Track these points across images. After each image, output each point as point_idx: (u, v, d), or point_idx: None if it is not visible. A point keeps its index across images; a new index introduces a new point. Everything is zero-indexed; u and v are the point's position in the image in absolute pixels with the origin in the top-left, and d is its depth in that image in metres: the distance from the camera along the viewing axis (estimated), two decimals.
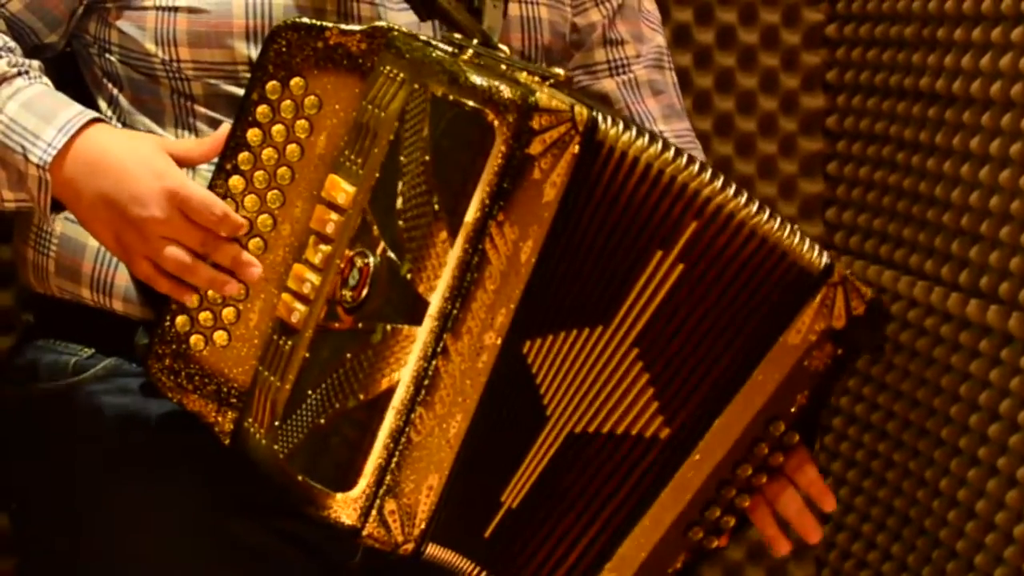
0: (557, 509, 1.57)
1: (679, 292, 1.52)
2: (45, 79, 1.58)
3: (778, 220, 1.53)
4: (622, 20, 1.88)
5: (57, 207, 1.55)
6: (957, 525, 2.18)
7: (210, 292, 1.53)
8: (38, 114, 1.52)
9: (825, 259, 1.54)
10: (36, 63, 1.59)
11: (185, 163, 1.53)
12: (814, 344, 1.55)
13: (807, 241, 1.54)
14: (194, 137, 1.61)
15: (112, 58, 1.65)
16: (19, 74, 1.56)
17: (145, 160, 1.50)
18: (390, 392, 1.47)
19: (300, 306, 1.51)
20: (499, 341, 1.49)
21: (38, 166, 1.50)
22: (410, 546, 1.52)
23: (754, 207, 1.52)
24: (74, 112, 1.53)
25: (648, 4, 1.92)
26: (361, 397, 1.47)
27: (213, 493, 1.62)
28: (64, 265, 1.65)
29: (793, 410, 1.57)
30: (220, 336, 1.55)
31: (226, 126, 1.53)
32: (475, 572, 1.58)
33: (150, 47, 1.62)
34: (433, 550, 1.55)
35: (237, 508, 1.63)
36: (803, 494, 1.62)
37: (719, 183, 1.51)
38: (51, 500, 1.67)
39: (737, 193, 1.52)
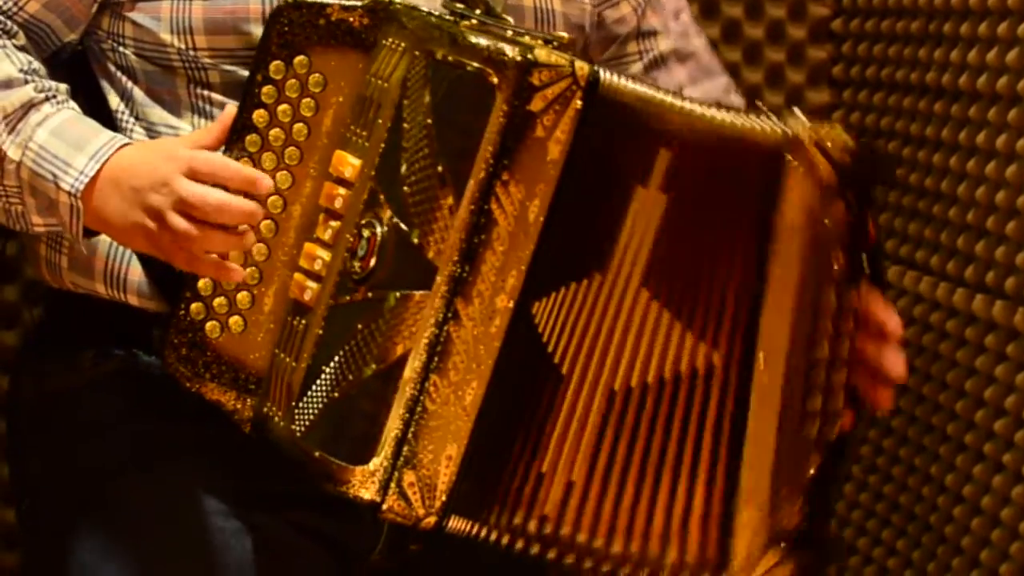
0: (640, 470, 1.54)
1: (671, 223, 1.50)
2: (72, 104, 1.57)
3: (727, 112, 1.51)
4: (652, 12, 1.88)
5: (88, 233, 1.55)
6: (962, 521, 2.17)
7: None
8: (68, 142, 1.52)
9: (783, 128, 1.51)
10: (63, 87, 1.58)
11: (206, 146, 1.53)
12: (818, 208, 1.52)
13: (762, 117, 1.51)
14: None
15: (126, 51, 1.65)
16: (46, 99, 1.55)
17: (162, 150, 1.51)
18: (403, 361, 1.47)
19: (312, 284, 1.51)
20: (511, 304, 1.48)
21: (70, 194, 1.50)
22: (432, 519, 1.51)
23: (709, 111, 1.50)
24: (105, 139, 1.53)
25: None
26: (374, 367, 1.47)
27: (230, 486, 1.62)
28: (77, 261, 1.65)
29: (836, 271, 1.53)
30: (235, 322, 1.55)
31: (231, 108, 1.52)
32: (505, 539, 1.55)
33: (166, 37, 1.62)
34: (455, 523, 1.53)
35: (255, 501, 1.63)
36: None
37: (686, 104, 1.50)
38: (64, 495, 1.66)
39: (695, 104, 1.50)
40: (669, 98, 1.50)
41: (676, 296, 1.52)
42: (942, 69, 2.22)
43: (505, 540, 1.54)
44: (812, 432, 1.56)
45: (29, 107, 1.54)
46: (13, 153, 1.52)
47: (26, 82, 1.55)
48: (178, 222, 1.46)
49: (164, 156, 1.49)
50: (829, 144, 1.51)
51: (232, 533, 1.61)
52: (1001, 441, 2.09)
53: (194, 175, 1.47)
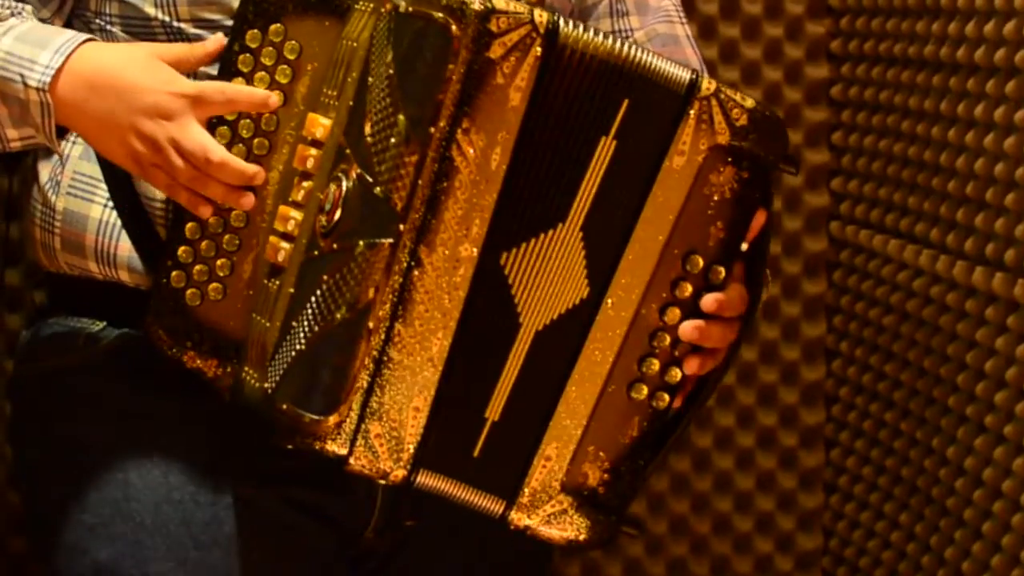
0: (532, 412, 1.56)
1: (612, 170, 1.51)
2: (36, 20, 1.59)
3: (649, 54, 1.51)
4: None
5: (63, 133, 1.56)
6: (964, 493, 2.18)
7: (203, 244, 1.54)
8: (32, 43, 1.54)
9: (689, 75, 1.52)
10: (28, 7, 1.61)
11: (180, 70, 1.54)
12: (705, 165, 1.53)
13: (673, 64, 1.52)
14: None
15: (114, 29, 1.66)
16: (12, 15, 1.59)
17: (149, 70, 1.51)
18: (367, 309, 1.48)
19: (285, 244, 1.52)
20: (475, 253, 1.49)
21: (37, 89, 1.51)
22: (400, 472, 1.52)
23: (641, 52, 1.50)
24: (68, 35, 1.55)
25: None
26: (338, 316, 1.48)
27: (223, 462, 1.63)
28: (69, 240, 1.66)
29: (711, 243, 1.54)
30: (215, 289, 1.56)
31: (220, 36, 1.53)
32: (469, 496, 1.56)
33: (150, 10, 1.63)
34: (425, 478, 1.54)
35: (247, 476, 1.63)
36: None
37: (636, 50, 1.50)
38: (60, 474, 1.67)
39: (641, 51, 1.50)
40: (629, 50, 1.50)
41: (594, 240, 1.53)
42: (940, 42, 2.22)
43: (467, 496, 1.55)
44: (640, 395, 1.57)
45: None
46: None
47: None
48: (178, 161, 1.49)
49: (158, 79, 1.50)
50: (731, 103, 1.52)
51: (224, 508, 1.62)
52: (1002, 413, 2.09)
53: (191, 107, 1.48)
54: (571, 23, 1.49)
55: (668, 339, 1.56)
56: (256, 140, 1.53)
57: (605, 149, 1.52)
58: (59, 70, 1.52)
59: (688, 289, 1.55)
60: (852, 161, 2.50)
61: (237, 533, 1.62)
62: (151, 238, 1.59)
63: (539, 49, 1.47)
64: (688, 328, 1.56)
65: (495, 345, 1.55)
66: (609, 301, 1.55)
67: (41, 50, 1.53)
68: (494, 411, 1.56)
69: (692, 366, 1.58)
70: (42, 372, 1.70)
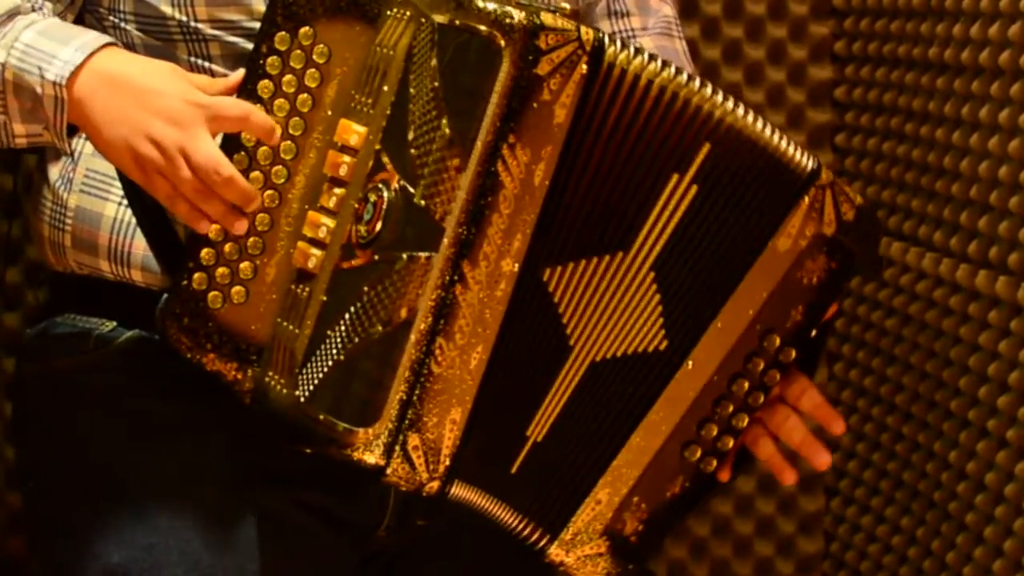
0: (579, 439, 1.57)
1: (692, 213, 1.53)
2: (56, 17, 1.59)
3: (770, 127, 1.53)
4: None
5: (72, 133, 1.55)
6: (966, 497, 2.17)
7: (227, 247, 1.53)
8: (54, 38, 1.53)
9: (812, 162, 1.54)
10: (48, 5, 1.60)
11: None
12: (805, 251, 1.55)
13: (795, 146, 1.54)
14: None
15: (128, 27, 1.65)
16: (34, 9, 1.57)
17: (169, 80, 1.50)
18: (409, 322, 1.47)
19: (316, 251, 1.51)
20: (516, 268, 1.49)
21: (54, 83, 1.50)
22: (435, 484, 1.52)
23: (750, 118, 1.53)
24: (92, 35, 1.54)
25: None
26: (380, 329, 1.47)
27: (238, 464, 1.62)
28: (81, 238, 1.65)
29: (788, 325, 1.56)
30: (238, 292, 1.54)
31: (240, 72, 1.52)
32: (499, 511, 1.57)
33: (166, 9, 1.62)
34: (459, 490, 1.54)
35: (259, 479, 1.63)
36: (809, 421, 1.61)
37: (730, 104, 1.52)
38: (67, 474, 1.66)
39: (746, 112, 1.53)
40: (701, 87, 1.51)
41: (672, 284, 1.55)
42: (944, 44, 2.21)
43: (499, 511, 1.56)
44: (693, 456, 1.59)
45: (16, 14, 1.55)
46: None
47: None
48: (184, 171, 1.47)
49: (177, 88, 1.49)
50: (843, 197, 1.54)
51: (236, 511, 1.61)
52: (1005, 417, 2.08)
53: (207, 120, 1.47)
54: (618, 43, 1.49)
55: (731, 408, 1.59)
56: (283, 143, 1.52)
57: (680, 190, 1.52)
58: (80, 66, 1.50)
59: (760, 365, 1.58)
60: (855, 163, 2.49)
61: (250, 536, 1.61)
62: (167, 237, 1.58)
63: (585, 67, 1.47)
64: (795, 424, 1.60)
65: (540, 364, 1.55)
66: (690, 363, 1.56)
67: (63, 46, 1.52)
68: (538, 431, 1.56)
69: (767, 449, 1.61)
70: (51, 372, 1.69)
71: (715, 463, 1.60)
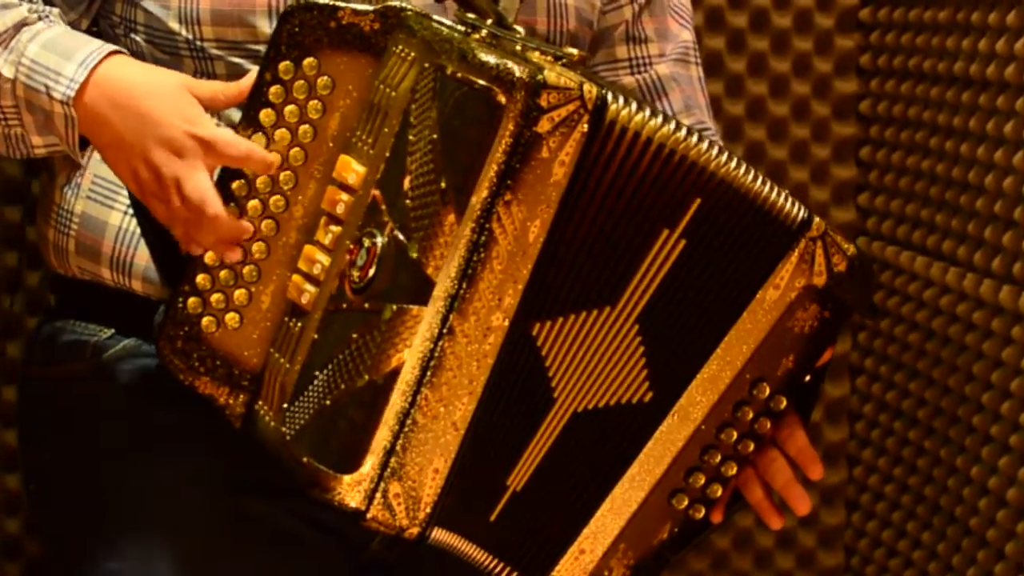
0: (558, 489, 1.56)
1: (679, 268, 1.52)
2: (64, 24, 1.59)
3: (760, 178, 1.52)
4: (649, 16, 1.87)
5: (86, 144, 1.56)
6: (987, 513, 2.16)
7: (223, 273, 1.53)
8: (58, 52, 1.53)
9: (803, 213, 1.53)
10: (56, 10, 1.60)
11: (210, 108, 1.53)
12: (795, 302, 1.54)
13: (785, 195, 1.52)
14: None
15: (138, 38, 1.66)
16: (39, 19, 1.57)
17: (173, 103, 1.51)
18: (395, 373, 1.47)
19: (310, 287, 1.51)
20: (506, 323, 1.48)
21: (62, 102, 1.51)
22: (415, 530, 1.52)
23: (741, 170, 1.51)
24: (94, 47, 1.54)
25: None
26: (366, 378, 1.47)
27: (233, 472, 1.62)
28: (84, 245, 1.66)
29: (779, 373, 1.55)
30: (232, 318, 1.55)
31: (254, 72, 1.52)
32: (479, 556, 1.58)
33: (174, 26, 1.62)
34: (439, 535, 1.54)
35: (255, 488, 1.62)
36: (792, 463, 1.61)
37: (723, 158, 1.50)
38: (71, 479, 1.67)
39: (738, 165, 1.51)
40: (698, 142, 1.50)
41: (655, 335, 1.54)
42: (970, 59, 2.21)
43: (482, 558, 1.56)
44: (680, 504, 1.59)
45: (22, 26, 1.55)
46: (7, 71, 1.53)
47: (21, 3, 1.56)
48: (176, 200, 1.48)
49: (181, 116, 1.49)
50: (834, 248, 1.53)
51: (231, 519, 1.61)
52: (1007, 423, 2.08)
53: (204, 154, 1.48)
54: (621, 99, 1.47)
55: (719, 457, 1.58)
56: (283, 174, 1.52)
57: (669, 244, 1.51)
58: (84, 84, 1.51)
59: (750, 414, 1.57)
60: (880, 177, 2.48)
61: (246, 546, 1.61)
62: (169, 249, 1.58)
63: (586, 126, 1.45)
64: (780, 467, 1.59)
65: (524, 415, 1.54)
66: (675, 415, 1.55)
67: (66, 61, 1.52)
68: (518, 481, 1.55)
69: (756, 494, 1.60)
70: (50, 378, 1.70)
71: (704, 510, 1.59)
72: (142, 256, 1.63)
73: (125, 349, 1.66)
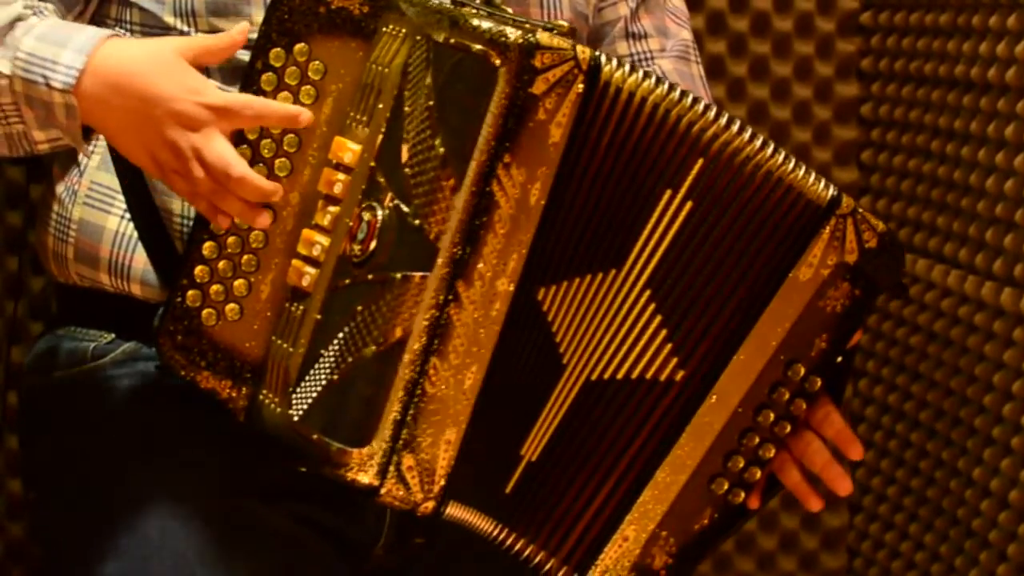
0: (576, 461, 1.56)
1: (688, 231, 1.52)
2: (57, 18, 1.59)
3: (783, 155, 1.52)
4: (646, 13, 1.87)
5: (89, 134, 1.55)
6: (990, 515, 2.17)
7: (221, 264, 1.53)
8: (53, 42, 1.53)
9: (832, 191, 1.53)
10: (50, 6, 1.60)
11: (207, 63, 1.53)
12: (827, 280, 1.54)
13: (813, 175, 1.53)
14: None
15: (134, 37, 1.66)
16: (34, 14, 1.57)
17: (176, 77, 1.50)
18: (402, 342, 1.47)
19: (311, 269, 1.51)
20: (512, 288, 1.48)
21: (61, 91, 1.51)
22: (430, 504, 1.51)
23: (758, 143, 1.52)
24: (90, 32, 1.54)
25: (676, 1, 1.91)
26: (373, 348, 1.47)
27: (234, 475, 1.62)
28: (83, 251, 1.66)
29: (813, 354, 1.55)
30: (232, 309, 1.55)
31: (245, 24, 1.53)
32: (496, 532, 1.57)
33: (169, 20, 1.63)
34: (454, 510, 1.53)
35: (257, 492, 1.62)
36: (830, 445, 1.60)
37: (723, 121, 1.51)
38: (71, 487, 1.66)
39: (741, 130, 1.51)
40: (694, 104, 1.50)
41: (672, 304, 1.54)
42: (970, 62, 2.21)
43: (494, 531, 1.56)
44: (720, 489, 1.58)
45: (16, 22, 1.55)
46: (4, 68, 1.52)
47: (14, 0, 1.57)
48: (199, 172, 1.48)
49: (185, 88, 1.49)
50: (864, 225, 1.53)
51: (232, 524, 1.60)
52: (1009, 425, 2.09)
53: (218, 119, 1.48)
54: (614, 61, 1.48)
55: (757, 439, 1.58)
56: (277, 161, 1.52)
57: (674, 205, 1.51)
58: (82, 71, 1.50)
59: (786, 395, 1.57)
60: (881, 180, 2.49)
61: (245, 550, 1.61)
62: (168, 252, 1.59)
63: (581, 86, 1.46)
64: (817, 448, 1.59)
65: (534, 382, 1.54)
66: (713, 397, 1.55)
67: (62, 49, 1.52)
68: (531, 450, 1.55)
69: (792, 477, 1.60)
70: (52, 383, 1.70)
71: (743, 494, 1.59)
72: (140, 259, 1.63)
73: (125, 353, 1.66)
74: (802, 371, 1.56)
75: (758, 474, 1.58)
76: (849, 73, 2.53)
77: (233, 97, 1.50)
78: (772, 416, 1.57)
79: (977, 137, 2.20)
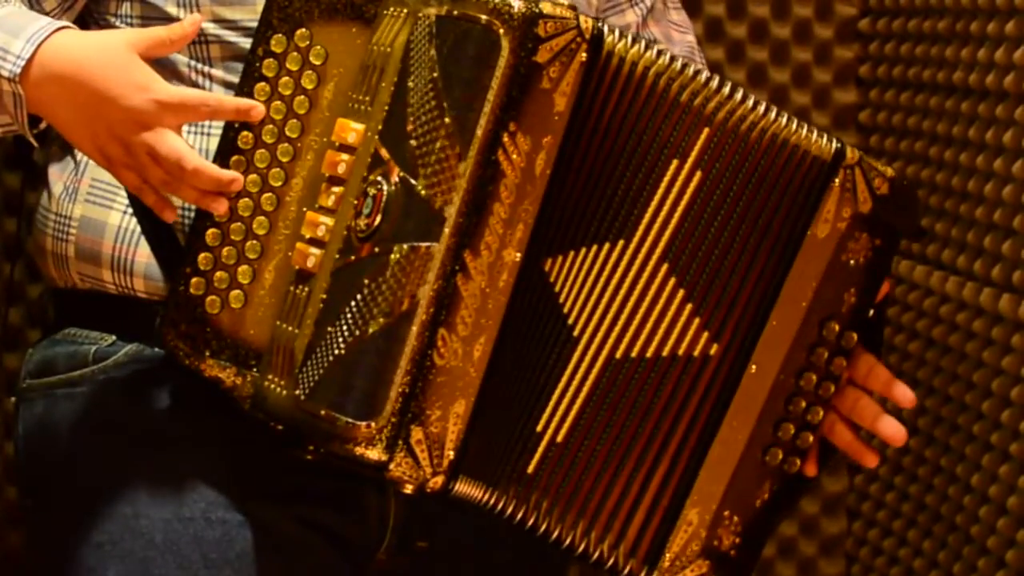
0: (616, 445, 1.55)
1: (701, 202, 1.52)
2: (21, 4, 1.58)
3: (785, 116, 1.53)
4: (653, 22, 1.89)
5: (36, 122, 1.55)
6: (988, 521, 2.17)
7: (224, 251, 1.53)
8: (7, 31, 1.52)
9: (836, 144, 1.53)
10: None
11: (158, 55, 1.53)
12: (846, 234, 1.54)
13: (816, 131, 1.53)
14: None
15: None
16: (7, 1, 1.57)
17: (125, 72, 1.50)
18: (410, 313, 1.46)
19: (315, 250, 1.51)
20: (519, 257, 1.48)
21: (8, 80, 1.50)
22: (439, 479, 1.50)
23: (761, 108, 1.52)
24: (43, 23, 1.53)
25: (675, 15, 1.92)
26: (381, 321, 1.46)
27: (234, 479, 1.62)
28: (84, 248, 1.65)
29: (844, 310, 1.55)
30: (236, 296, 1.54)
31: (196, 17, 1.53)
32: (522, 513, 1.54)
33: (172, 10, 1.63)
34: (463, 486, 1.52)
35: (259, 495, 1.62)
36: (879, 399, 1.59)
37: (726, 90, 1.52)
38: (71, 490, 1.66)
39: (744, 98, 1.52)
40: (696, 74, 1.51)
41: (693, 277, 1.54)
42: (969, 68, 2.21)
43: (510, 508, 1.54)
44: (775, 460, 1.58)
45: None
46: None
47: None
48: (150, 166, 1.48)
49: (134, 84, 1.49)
50: (874, 172, 1.53)
51: (235, 526, 1.60)
52: (1007, 431, 2.09)
53: (168, 115, 1.48)
54: (616, 32, 1.49)
55: (803, 403, 1.57)
56: (280, 146, 1.53)
57: (682, 175, 1.52)
58: (29, 60, 1.50)
59: (824, 355, 1.57)
60: None
61: (248, 552, 1.60)
62: (171, 244, 1.59)
63: (584, 55, 1.47)
64: (866, 404, 1.59)
65: (545, 356, 1.53)
66: (753, 367, 1.55)
67: (14, 39, 1.51)
68: (554, 430, 1.54)
69: (844, 437, 1.59)
70: (51, 387, 1.70)
71: (798, 462, 1.58)
72: (143, 254, 1.63)
73: (127, 355, 1.65)
74: (837, 328, 1.55)
75: (811, 438, 1.57)
76: (847, 80, 2.53)
77: (183, 92, 1.50)
78: (815, 378, 1.56)
79: (975, 143, 2.20)
